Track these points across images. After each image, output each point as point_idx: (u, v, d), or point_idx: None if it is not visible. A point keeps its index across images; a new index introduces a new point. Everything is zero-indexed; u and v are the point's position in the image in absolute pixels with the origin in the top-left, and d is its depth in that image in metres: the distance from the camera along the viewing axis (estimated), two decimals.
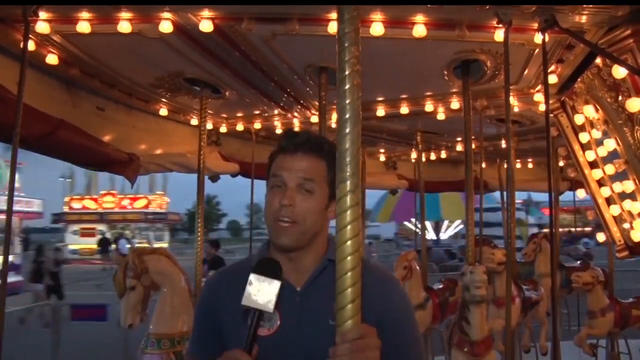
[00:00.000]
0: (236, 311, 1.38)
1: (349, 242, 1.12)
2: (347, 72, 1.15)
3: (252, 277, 1.33)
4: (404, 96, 4.30)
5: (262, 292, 1.31)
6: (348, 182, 1.13)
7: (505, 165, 5.60)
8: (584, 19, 2.72)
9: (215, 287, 1.58)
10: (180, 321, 3.65)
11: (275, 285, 1.32)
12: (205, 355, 1.50)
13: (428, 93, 4.23)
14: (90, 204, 35.48)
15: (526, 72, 3.57)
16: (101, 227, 35.16)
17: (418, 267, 5.12)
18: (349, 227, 1.12)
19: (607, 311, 5.45)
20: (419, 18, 2.76)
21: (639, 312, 5.62)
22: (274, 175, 1.46)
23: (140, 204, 35.65)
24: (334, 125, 3.43)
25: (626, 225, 3.44)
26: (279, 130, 5.05)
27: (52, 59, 3.19)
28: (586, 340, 5.54)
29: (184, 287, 3.75)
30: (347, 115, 1.14)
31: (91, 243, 33.33)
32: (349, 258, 1.12)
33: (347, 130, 1.14)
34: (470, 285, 3.44)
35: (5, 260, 2.83)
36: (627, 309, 5.58)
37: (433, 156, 6.67)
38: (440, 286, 5.47)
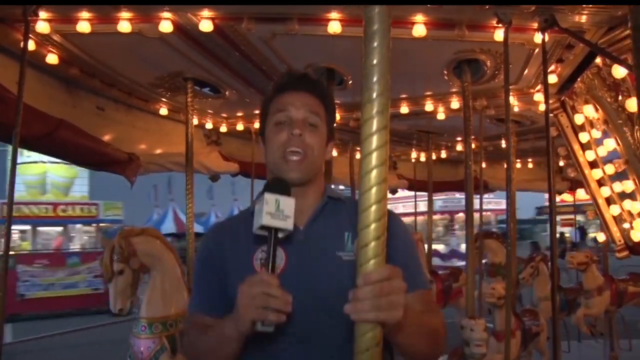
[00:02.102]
0: (240, 259, 1.35)
1: (374, 171, 0.94)
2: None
3: (267, 195, 1.25)
4: (403, 96, 4.30)
5: (279, 209, 1.25)
6: (375, 103, 0.94)
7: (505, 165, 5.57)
8: (583, 18, 2.72)
9: (217, 239, 1.52)
10: (172, 304, 3.48)
11: (291, 202, 1.27)
12: (215, 310, 1.38)
13: (428, 93, 4.23)
14: (566, 197, 36.55)
15: (526, 71, 3.57)
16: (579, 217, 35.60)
17: None
18: (374, 154, 0.94)
19: (603, 289, 5.40)
20: (419, 18, 2.76)
21: (634, 289, 5.59)
22: (280, 110, 1.44)
23: None
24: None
25: (626, 225, 3.44)
26: None
27: (52, 58, 3.19)
28: (583, 321, 5.48)
29: (175, 268, 3.58)
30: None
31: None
32: (373, 190, 0.94)
33: (375, 44, 0.94)
34: (470, 342, 3.25)
35: (5, 259, 2.83)
36: (623, 287, 5.53)
37: (433, 156, 6.66)
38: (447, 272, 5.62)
